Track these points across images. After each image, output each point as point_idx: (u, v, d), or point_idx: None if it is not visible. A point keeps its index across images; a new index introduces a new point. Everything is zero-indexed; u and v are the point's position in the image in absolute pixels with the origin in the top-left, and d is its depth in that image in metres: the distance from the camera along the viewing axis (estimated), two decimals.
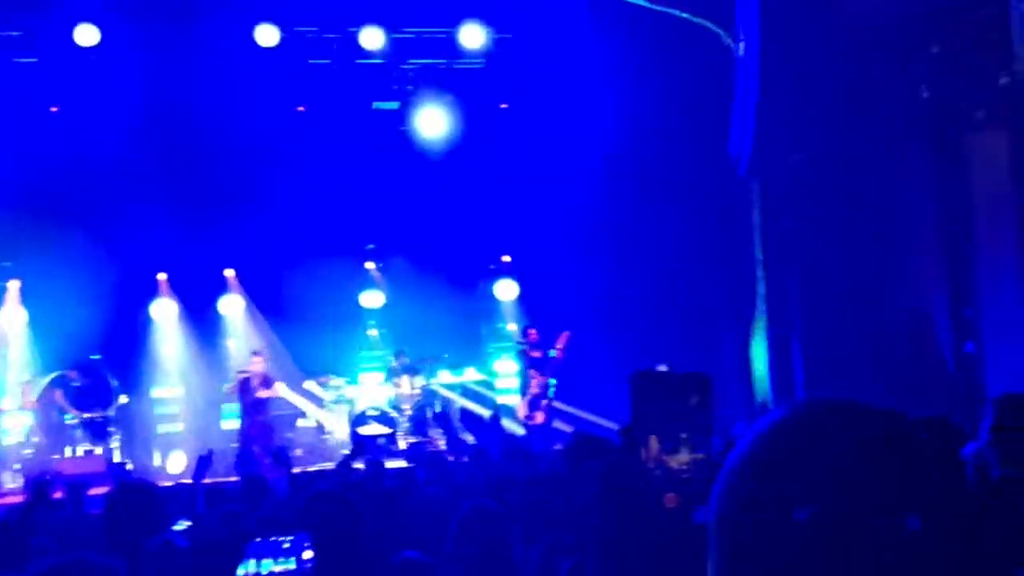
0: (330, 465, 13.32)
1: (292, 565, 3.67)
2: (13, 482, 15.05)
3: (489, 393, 18.52)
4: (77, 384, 16.07)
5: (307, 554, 3.69)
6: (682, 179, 16.64)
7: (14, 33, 16.01)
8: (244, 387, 16.12)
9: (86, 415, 15.91)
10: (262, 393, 16.08)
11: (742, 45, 14.86)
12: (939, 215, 14.99)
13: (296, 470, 14.40)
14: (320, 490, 5.36)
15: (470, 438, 15.96)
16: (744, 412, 15.66)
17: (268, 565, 3.66)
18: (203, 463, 9.56)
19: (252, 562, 3.71)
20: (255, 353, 16.57)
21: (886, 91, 14.94)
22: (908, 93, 14.99)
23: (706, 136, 15.79)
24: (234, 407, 16.69)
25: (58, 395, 16.04)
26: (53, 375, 16.23)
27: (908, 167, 15.17)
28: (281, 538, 3.75)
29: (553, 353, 16.17)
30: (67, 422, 16.09)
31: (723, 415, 15.41)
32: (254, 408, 16.07)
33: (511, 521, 5.14)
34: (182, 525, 6.34)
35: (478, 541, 4.66)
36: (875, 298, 14.94)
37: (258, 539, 3.74)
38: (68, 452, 15.96)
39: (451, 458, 11.49)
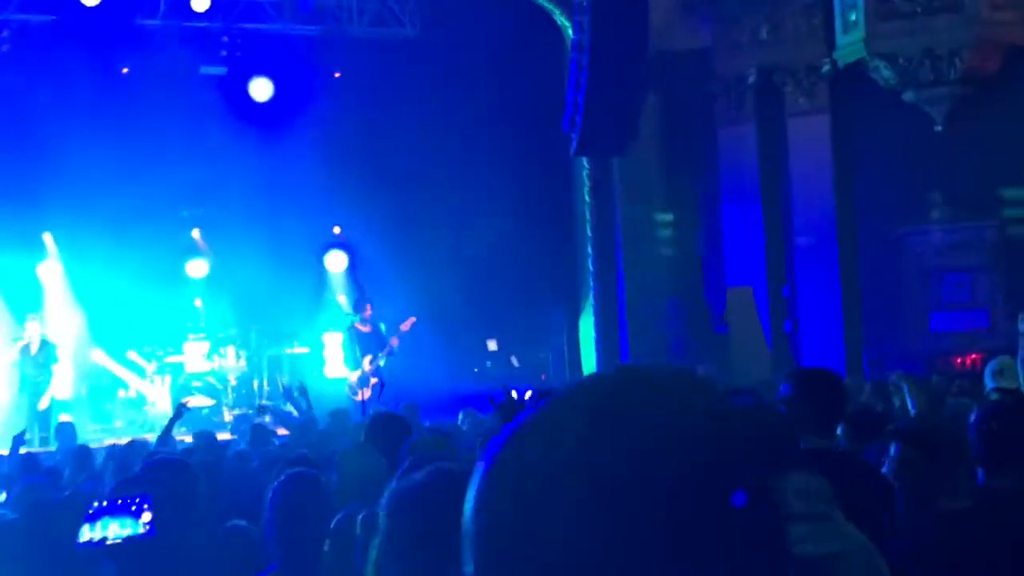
0: (151, 436, 13.01)
1: (136, 528, 3.60)
2: None
3: (317, 366, 18.38)
4: None
5: (146, 516, 3.63)
6: (517, 156, 16.79)
7: None
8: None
9: None
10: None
11: (574, 24, 15.06)
12: (761, 193, 15.52)
13: (113, 441, 14.13)
14: (161, 457, 5.27)
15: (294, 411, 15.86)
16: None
17: (112, 528, 3.59)
18: (17, 441, 9.33)
19: (96, 525, 3.63)
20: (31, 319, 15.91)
21: (715, 72, 15.41)
22: (736, 75, 15.47)
23: (541, 115, 15.96)
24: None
25: None
26: None
27: (735, 146, 15.66)
28: (122, 501, 3.68)
29: (383, 328, 16.11)
30: None
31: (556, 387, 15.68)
32: None
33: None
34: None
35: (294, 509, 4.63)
36: (699, 276, 15.44)
37: (97, 503, 3.66)
38: None
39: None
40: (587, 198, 16.00)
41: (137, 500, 3.62)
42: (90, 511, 3.61)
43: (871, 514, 3.80)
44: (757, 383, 10.98)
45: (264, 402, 16.52)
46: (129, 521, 3.52)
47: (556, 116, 15.53)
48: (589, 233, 15.99)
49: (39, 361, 15.41)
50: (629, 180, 15.70)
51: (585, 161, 15.86)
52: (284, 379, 16.92)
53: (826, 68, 14.79)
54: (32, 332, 15.50)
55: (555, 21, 15.70)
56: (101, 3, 15.96)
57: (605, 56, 14.60)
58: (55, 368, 15.75)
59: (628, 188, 15.71)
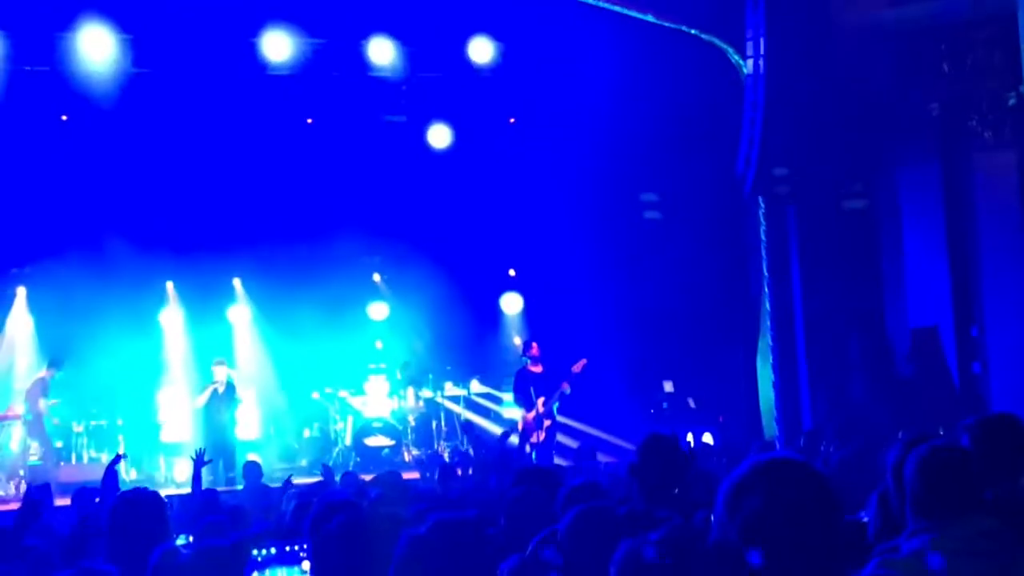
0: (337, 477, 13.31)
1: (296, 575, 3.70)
2: (14, 489, 15.04)
3: (494, 406, 18.55)
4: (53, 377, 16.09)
5: (305, 564, 3.72)
6: (690, 195, 16.66)
7: (26, 40, 16.05)
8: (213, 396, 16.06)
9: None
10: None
11: (750, 62, 14.90)
12: (947, 233, 14.99)
13: (298, 480, 14.53)
14: (333, 501, 5.38)
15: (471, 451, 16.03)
16: (749, 428, 15.68)
17: (275, 575, 3.69)
18: (198, 462, 9.60)
19: (265, 572, 3.74)
20: (218, 363, 16.45)
21: (895, 108, 14.98)
22: (918, 111, 15.01)
23: (714, 153, 15.81)
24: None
25: (41, 403, 16.00)
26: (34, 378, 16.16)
27: (917, 185, 15.18)
28: (288, 548, 3.78)
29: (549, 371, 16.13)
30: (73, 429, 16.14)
31: (730, 429, 15.44)
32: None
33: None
34: (182, 540, 6.31)
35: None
36: (880, 316, 14.97)
37: (265, 551, 3.77)
38: (73, 459, 16.04)
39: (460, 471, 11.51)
40: (763, 237, 15.74)
41: (299, 547, 3.72)
42: (257, 559, 3.72)
43: None
44: (944, 427, 10.60)
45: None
46: (293, 570, 3.62)
47: (732, 155, 15.36)
48: (765, 273, 15.71)
49: (223, 402, 15.97)
50: (806, 219, 15.38)
51: (761, 200, 15.62)
52: (462, 418, 17.15)
53: (1012, 101, 14.21)
54: (219, 376, 16.06)
55: (729, 59, 15.55)
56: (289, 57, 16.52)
57: (782, 93, 14.41)
58: (238, 409, 16.29)
59: (805, 227, 15.39)
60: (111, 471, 9.55)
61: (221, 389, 15.90)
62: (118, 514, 5.42)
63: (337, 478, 12.28)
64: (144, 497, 5.49)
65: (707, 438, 15.83)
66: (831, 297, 15.07)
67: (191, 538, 6.38)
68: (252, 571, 3.73)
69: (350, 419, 17.33)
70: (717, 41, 15.64)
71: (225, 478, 15.07)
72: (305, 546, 3.89)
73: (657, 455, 5.52)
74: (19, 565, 5.12)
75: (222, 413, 15.88)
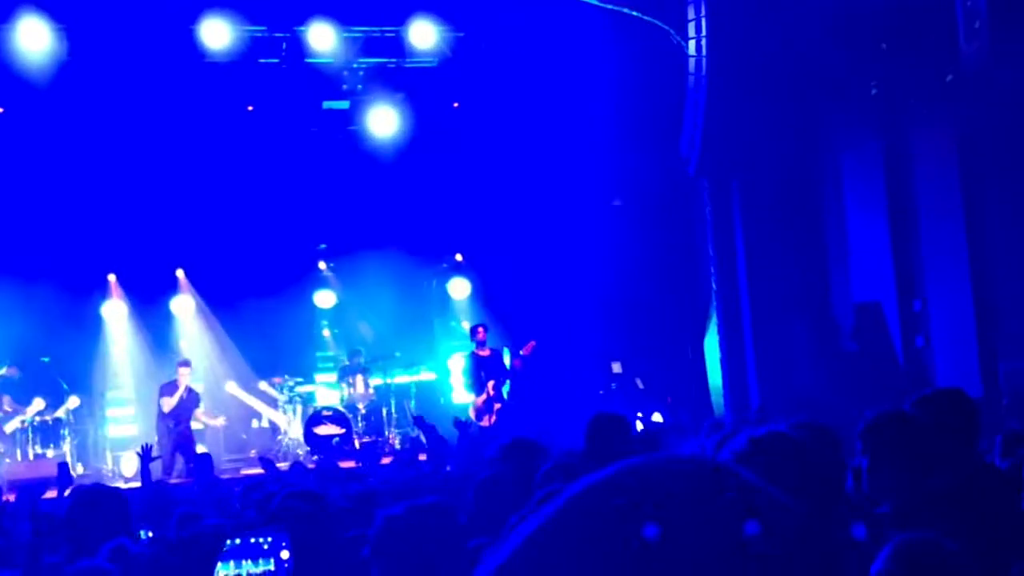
0: (284, 465, 13.28)
1: (271, 566, 3.66)
2: None
3: (442, 393, 18.56)
4: (16, 378, 15.88)
5: (285, 554, 3.68)
6: (637, 178, 16.74)
7: None
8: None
9: (34, 415, 15.71)
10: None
11: (692, 43, 14.98)
12: (889, 210, 15.18)
13: (248, 471, 14.45)
14: (295, 489, 5.37)
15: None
16: (698, 407, 15.81)
17: (247, 566, 3.65)
18: (145, 456, 9.53)
19: (231, 563, 3.69)
20: (183, 364, 16.32)
21: (836, 88, 15.14)
22: (859, 90, 15.18)
23: (660, 135, 15.89)
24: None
25: (6, 400, 15.81)
26: None
27: (858, 163, 15.37)
28: (258, 539, 3.74)
29: (506, 354, 16.18)
30: (18, 426, 15.90)
31: (678, 409, 15.56)
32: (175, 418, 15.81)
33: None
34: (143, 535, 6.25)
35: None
36: (824, 293, 15.15)
37: (235, 540, 3.72)
38: (17, 456, 15.80)
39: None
40: (708, 218, 15.87)
41: (274, 537, 3.68)
42: (224, 549, 3.68)
43: None
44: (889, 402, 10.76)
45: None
46: (270, 560, 3.58)
47: (677, 137, 15.45)
48: (711, 252, 15.84)
49: (189, 402, 15.82)
50: (750, 199, 15.52)
51: (705, 182, 15.73)
52: (412, 407, 17.14)
53: (949, 78, 14.38)
54: (185, 380, 15.88)
55: (671, 40, 15.62)
56: (228, 44, 16.34)
57: (724, 74, 14.51)
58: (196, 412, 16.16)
59: (749, 207, 15.52)
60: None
61: (185, 393, 15.77)
62: (77, 510, 5.37)
63: (284, 466, 12.27)
64: (104, 492, 5.45)
65: (656, 418, 15.94)
66: (776, 276, 15.23)
67: (150, 532, 6.34)
68: (219, 561, 3.70)
69: (299, 408, 17.23)
70: (659, 23, 15.70)
71: (186, 470, 14.95)
72: (270, 539, 3.86)
73: (606, 435, 5.57)
74: None
75: (186, 411, 15.75)
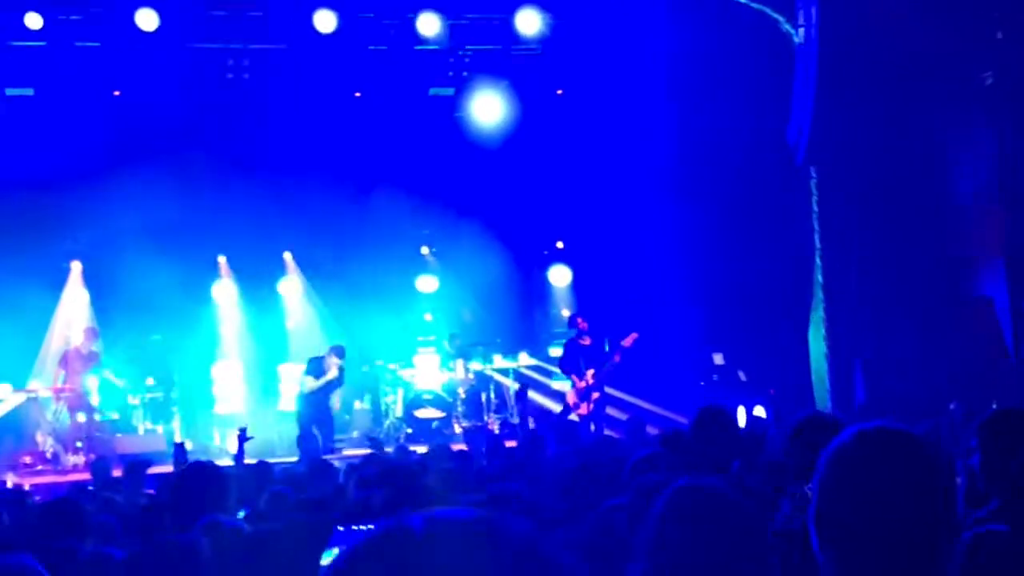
0: (389, 448, 13.44)
1: None
2: (74, 459, 15.31)
3: (542, 379, 18.60)
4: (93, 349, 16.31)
5: None
6: (741, 166, 16.53)
7: (75, 17, 16.20)
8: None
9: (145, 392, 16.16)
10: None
11: (801, 31, 14.75)
12: (1002, 204, 14.80)
13: (351, 452, 14.67)
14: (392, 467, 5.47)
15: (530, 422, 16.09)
16: (801, 401, 15.59)
17: None
18: (241, 437, 9.72)
19: (337, 551, 3.76)
20: (338, 352, 16.31)
21: (948, 77, 14.77)
22: (972, 79, 14.81)
23: (765, 123, 15.67)
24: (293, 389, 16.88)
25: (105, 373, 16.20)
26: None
27: (970, 154, 14.99)
28: (364, 527, 3.81)
29: (606, 343, 16.14)
30: (128, 401, 16.40)
31: (781, 402, 15.37)
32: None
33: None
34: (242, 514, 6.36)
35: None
36: (935, 288, 14.81)
37: (342, 527, 3.81)
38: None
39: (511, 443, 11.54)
40: (815, 208, 15.60)
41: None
42: (336, 534, 3.75)
43: None
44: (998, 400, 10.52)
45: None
46: None
47: (782, 125, 15.23)
48: (818, 244, 15.57)
49: (332, 385, 16.03)
50: (859, 189, 15.23)
51: (813, 171, 15.47)
52: (514, 390, 17.19)
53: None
54: (334, 369, 16.08)
55: (780, 29, 15.39)
56: (337, 30, 16.56)
57: (833, 62, 14.26)
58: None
59: (858, 197, 15.23)
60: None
61: (334, 375, 15.96)
62: (181, 486, 5.53)
63: (390, 450, 12.42)
64: (206, 469, 5.59)
65: (759, 411, 15.77)
66: (884, 268, 14.92)
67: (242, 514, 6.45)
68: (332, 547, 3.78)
69: (400, 391, 17.43)
70: (768, 11, 15.48)
71: (327, 448, 15.18)
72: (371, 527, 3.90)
73: (711, 428, 5.53)
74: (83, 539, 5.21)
75: (327, 394, 15.97)
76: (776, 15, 15.29)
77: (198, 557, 3.94)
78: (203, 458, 10.92)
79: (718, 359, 17.67)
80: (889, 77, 14.37)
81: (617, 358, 15.24)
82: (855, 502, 2.02)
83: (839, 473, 2.08)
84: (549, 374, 18.61)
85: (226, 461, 12.92)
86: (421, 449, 12.30)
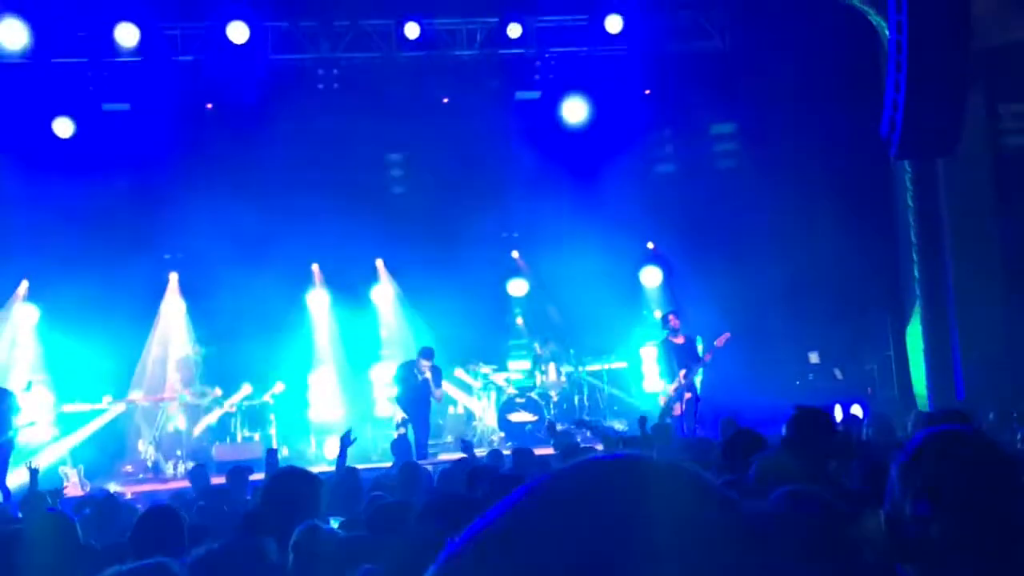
0: (481, 452, 13.47)
1: None
2: (172, 469, 15.63)
3: (633, 381, 18.53)
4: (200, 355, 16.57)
5: None
6: (833, 160, 16.28)
7: (172, 31, 16.54)
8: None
9: (242, 399, 16.41)
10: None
11: (892, 23, 14.47)
12: None
13: (445, 456, 14.73)
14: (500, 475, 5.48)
15: (619, 424, 16.01)
16: (899, 401, 15.31)
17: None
18: (345, 441, 9.75)
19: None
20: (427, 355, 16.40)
21: None
22: None
23: (858, 117, 15.41)
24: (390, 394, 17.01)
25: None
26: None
27: None
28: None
29: (699, 341, 15.99)
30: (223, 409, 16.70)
31: (879, 402, 15.09)
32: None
33: None
34: (335, 523, 6.38)
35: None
36: None
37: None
38: (227, 439, 16.57)
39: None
40: (910, 203, 15.30)
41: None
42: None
43: None
44: None
45: (585, 417, 16.78)
46: None
47: (875, 119, 14.96)
48: (913, 239, 15.27)
49: (426, 385, 16.08)
50: (955, 182, 14.90)
51: (907, 164, 15.18)
52: (605, 395, 17.13)
53: None
54: (426, 369, 15.95)
55: (870, 22, 15.13)
56: (420, 36, 16.68)
57: (925, 54, 13.96)
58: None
59: (954, 190, 14.90)
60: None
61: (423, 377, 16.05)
62: (272, 491, 5.59)
63: (482, 453, 12.44)
64: (298, 475, 5.64)
65: (856, 410, 15.50)
66: (982, 264, 14.58)
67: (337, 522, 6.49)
68: None
69: (493, 395, 17.48)
70: (856, 3, 15.23)
71: (420, 453, 15.28)
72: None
73: (807, 429, 5.43)
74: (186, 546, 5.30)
75: (423, 395, 16.06)
76: (865, 7, 15.04)
77: (265, 560, 3.99)
78: (299, 464, 11.05)
79: (814, 358, 17.42)
80: (982, 65, 14.04)
81: (708, 357, 15.10)
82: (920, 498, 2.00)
83: (905, 472, 2.06)
84: (640, 375, 18.53)
85: (323, 467, 13.09)
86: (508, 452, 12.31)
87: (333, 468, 10.30)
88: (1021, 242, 14.41)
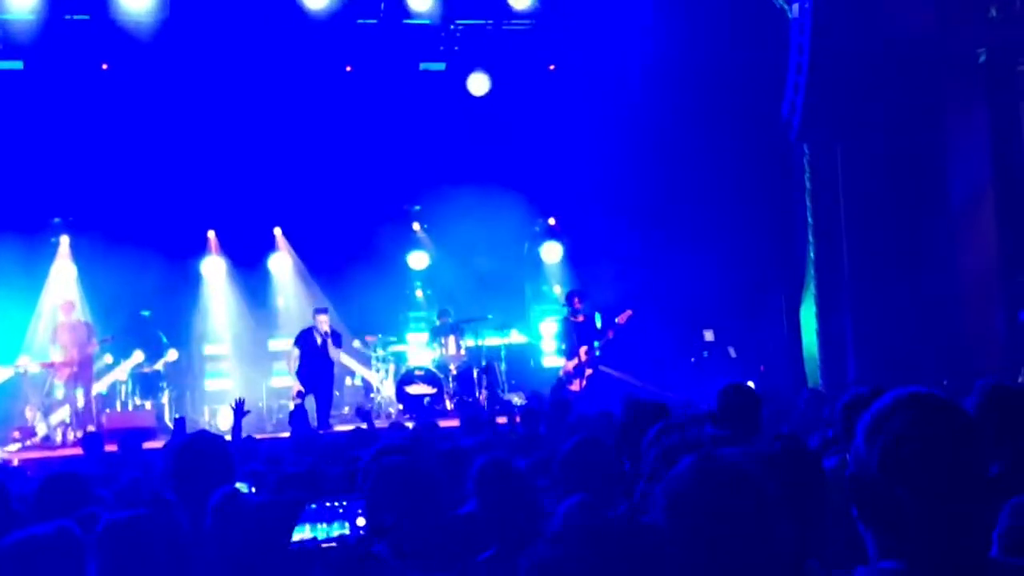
0: (379, 423, 13.40)
1: (346, 530, 3.72)
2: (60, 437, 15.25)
3: (532, 356, 18.62)
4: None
5: (360, 520, 3.74)
6: (733, 142, 16.51)
7: None
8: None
9: (133, 367, 16.10)
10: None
11: (796, 6, 14.70)
12: (994, 179, 14.82)
13: (341, 428, 14.63)
14: (387, 445, 5.43)
15: (517, 398, 16.08)
16: (792, 378, 15.62)
17: (323, 530, 3.73)
18: (238, 410, 9.68)
19: (307, 527, 3.77)
20: (321, 311, 16.45)
21: (941, 53, 14.76)
22: (965, 56, 14.81)
23: (758, 99, 15.64)
24: (282, 364, 16.90)
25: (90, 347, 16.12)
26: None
27: (963, 131, 14.99)
28: (336, 503, 3.80)
29: (598, 318, 16.14)
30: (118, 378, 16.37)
31: (772, 379, 15.39)
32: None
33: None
34: (243, 487, 6.31)
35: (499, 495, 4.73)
36: (926, 263, 14.83)
37: (312, 505, 3.80)
38: (117, 406, 16.24)
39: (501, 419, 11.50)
40: (807, 184, 15.60)
41: (349, 503, 3.73)
42: (306, 511, 3.74)
43: None
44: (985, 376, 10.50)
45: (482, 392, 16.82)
46: (345, 524, 3.65)
47: (775, 101, 15.20)
48: (810, 220, 15.58)
49: (324, 349, 16.01)
50: (852, 165, 15.22)
51: (805, 146, 15.46)
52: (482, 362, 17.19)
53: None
54: (323, 326, 16.04)
55: (774, 3, 15.34)
56: (327, 5, 16.41)
57: (827, 38, 14.22)
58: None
59: (851, 174, 15.22)
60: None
61: (323, 338, 15.94)
62: (185, 457, 5.45)
63: (381, 424, 12.39)
64: (210, 440, 5.51)
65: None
66: (877, 244, 14.93)
67: (253, 488, 6.41)
68: (300, 523, 3.77)
69: (391, 367, 17.41)
70: None
71: (322, 424, 15.20)
72: (346, 503, 3.90)
73: (736, 406, 5.59)
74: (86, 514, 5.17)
75: (325, 364, 15.97)
76: None
77: (177, 526, 3.94)
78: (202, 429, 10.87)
79: (709, 336, 17.70)
80: (884, 51, 14.35)
81: (611, 334, 15.24)
82: (884, 458, 2.03)
83: (869, 431, 2.09)
84: (538, 350, 18.64)
85: None
86: (411, 425, 12.26)
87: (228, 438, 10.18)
88: (915, 223, 14.80)
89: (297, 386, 15.87)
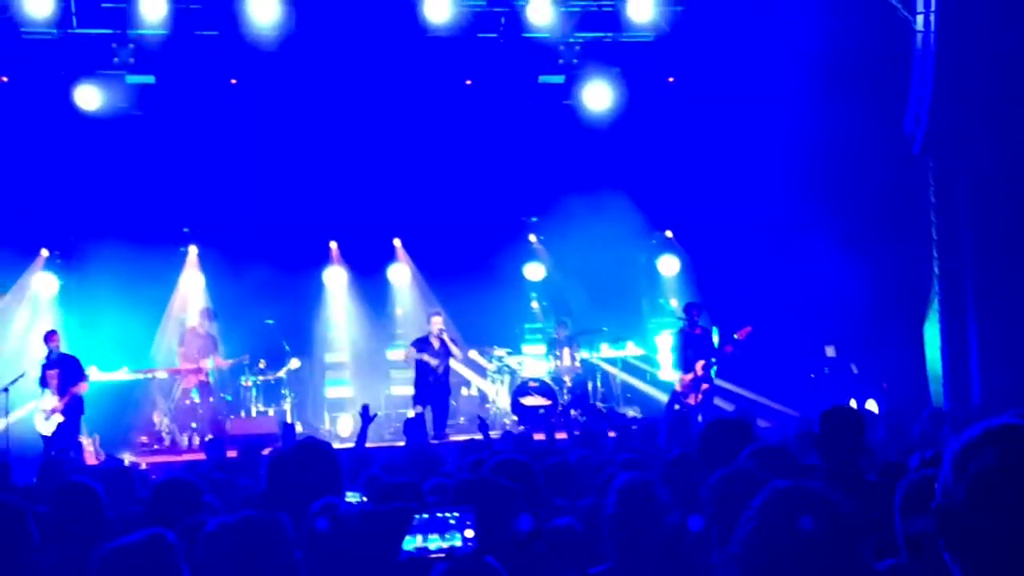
0: (495, 434, 13.49)
1: (457, 542, 3.76)
2: (187, 441, 15.72)
3: (648, 367, 18.51)
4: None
5: (469, 532, 3.78)
6: (857, 156, 16.21)
7: (194, 6, 16.50)
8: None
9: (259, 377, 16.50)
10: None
11: (920, 17, 14.40)
12: None
13: (456, 437, 14.76)
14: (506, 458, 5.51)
15: (631, 411, 16.01)
16: (915, 396, 15.26)
17: (434, 541, 3.77)
18: (365, 416, 9.77)
19: (418, 537, 3.82)
20: (435, 314, 16.61)
21: None
22: None
23: (883, 112, 15.34)
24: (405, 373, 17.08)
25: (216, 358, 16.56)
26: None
27: None
28: (445, 514, 3.85)
29: (715, 332, 15.97)
30: (242, 384, 16.79)
31: (894, 396, 15.05)
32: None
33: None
34: (354, 497, 6.37)
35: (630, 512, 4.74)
36: None
37: (424, 515, 3.85)
38: (242, 413, 16.64)
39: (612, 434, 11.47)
40: (932, 199, 15.24)
41: (460, 514, 3.78)
42: (413, 523, 3.80)
43: None
44: None
45: (598, 404, 16.81)
46: (456, 536, 3.69)
47: (899, 113, 14.90)
48: (934, 236, 15.21)
49: (440, 354, 16.25)
50: (978, 179, 14.82)
51: (930, 161, 15.10)
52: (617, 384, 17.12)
53: None
54: (437, 328, 16.22)
55: (899, 15, 15.04)
56: (448, 19, 16.59)
57: (953, 49, 13.91)
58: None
59: (977, 188, 14.82)
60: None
61: (440, 341, 16.18)
62: (288, 465, 5.56)
63: (496, 434, 12.45)
64: (314, 448, 5.61)
65: (871, 405, 15.49)
66: (1004, 261, 14.51)
67: (364, 497, 6.48)
68: (411, 534, 3.83)
69: (507, 378, 17.49)
70: None
71: (438, 434, 15.42)
72: (457, 515, 3.95)
73: (839, 431, 5.56)
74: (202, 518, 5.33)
75: (443, 375, 16.23)
76: (894, 2, 14.94)
77: (280, 534, 4.02)
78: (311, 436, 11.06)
79: (830, 351, 17.39)
80: (1010, 62, 13.96)
81: (729, 349, 15.06)
82: (973, 490, 1.98)
83: (958, 462, 2.04)
84: (655, 364, 18.52)
85: (336, 445, 13.11)
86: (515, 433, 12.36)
87: (345, 445, 10.35)
88: None
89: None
